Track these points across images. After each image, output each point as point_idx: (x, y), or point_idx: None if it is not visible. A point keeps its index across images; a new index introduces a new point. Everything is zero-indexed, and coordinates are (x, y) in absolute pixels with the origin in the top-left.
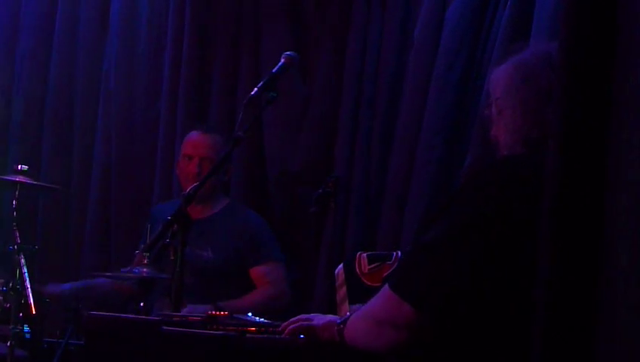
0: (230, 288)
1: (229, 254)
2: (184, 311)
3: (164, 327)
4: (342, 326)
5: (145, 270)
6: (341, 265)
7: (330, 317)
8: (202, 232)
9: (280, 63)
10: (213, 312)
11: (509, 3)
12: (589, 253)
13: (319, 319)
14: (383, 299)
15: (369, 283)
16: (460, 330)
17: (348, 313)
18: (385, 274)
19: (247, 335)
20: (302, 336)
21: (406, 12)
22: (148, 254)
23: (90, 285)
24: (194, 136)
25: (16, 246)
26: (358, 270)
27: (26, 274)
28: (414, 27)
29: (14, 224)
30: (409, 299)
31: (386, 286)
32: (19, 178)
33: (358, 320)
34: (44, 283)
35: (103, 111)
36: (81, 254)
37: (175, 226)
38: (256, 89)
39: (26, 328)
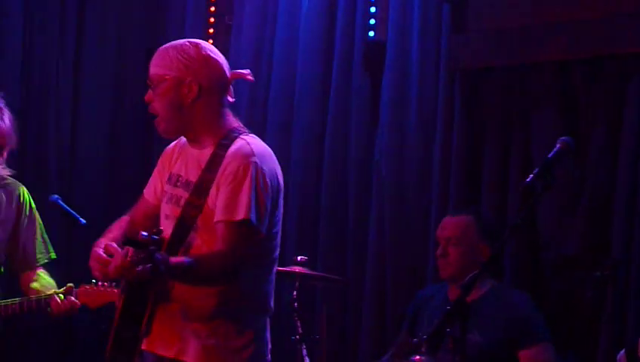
0: None
1: (497, 337)
2: None
3: None
4: None
5: (424, 358)
6: (622, 351)
7: None
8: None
9: (555, 149)
10: None
11: None
12: None
13: None
14: None
15: None
16: None
17: None
18: None
19: None
20: None
21: None
22: (426, 343)
23: None
24: (443, 220)
25: (298, 337)
26: None
27: None
28: None
29: (295, 314)
30: None
31: None
32: (298, 269)
33: None
34: None
35: (375, 201)
36: (358, 342)
37: (453, 314)
38: (531, 176)
39: None
